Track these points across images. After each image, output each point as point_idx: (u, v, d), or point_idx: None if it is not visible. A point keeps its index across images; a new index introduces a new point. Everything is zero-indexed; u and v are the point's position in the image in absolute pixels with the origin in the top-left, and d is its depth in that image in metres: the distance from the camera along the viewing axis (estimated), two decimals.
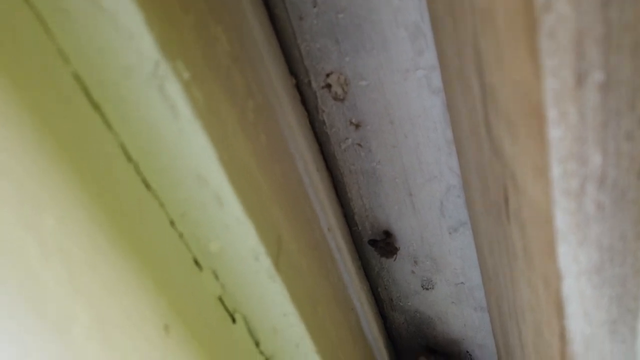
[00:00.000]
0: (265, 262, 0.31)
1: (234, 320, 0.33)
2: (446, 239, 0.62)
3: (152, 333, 0.23)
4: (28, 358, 0.16)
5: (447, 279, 0.66)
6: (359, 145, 0.58)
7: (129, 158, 0.26)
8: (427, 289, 0.69)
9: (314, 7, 0.47)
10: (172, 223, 0.29)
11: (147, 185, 0.27)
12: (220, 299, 0.32)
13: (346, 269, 0.58)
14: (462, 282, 0.65)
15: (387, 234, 0.66)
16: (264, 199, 0.33)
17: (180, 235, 0.29)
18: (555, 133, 0.18)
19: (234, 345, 0.33)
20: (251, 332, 0.34)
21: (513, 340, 0.45)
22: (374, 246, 0.66)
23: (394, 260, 0.67)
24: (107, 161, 0.24)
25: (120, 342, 0.20)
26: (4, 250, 0.16)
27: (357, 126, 0.57)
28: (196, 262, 0.31)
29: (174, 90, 0.24)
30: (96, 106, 0.24)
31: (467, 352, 0.73)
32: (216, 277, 0.32)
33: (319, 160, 0.59)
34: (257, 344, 0.35)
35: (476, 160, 0.38)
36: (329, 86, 0.54)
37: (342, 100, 0.55)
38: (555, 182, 0.19)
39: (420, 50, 0.47)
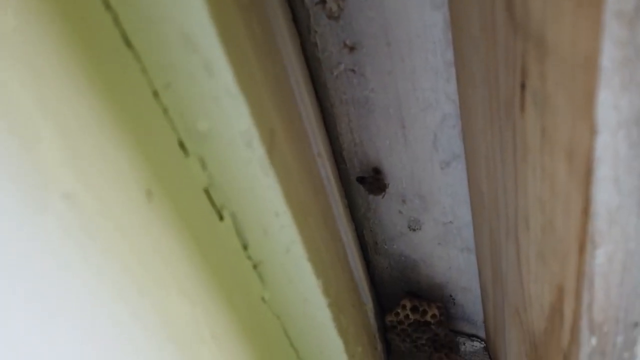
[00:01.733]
0: (258, 151, 0.28)
1: (221, 218, 0.31)
2: (437, 175, 0.60)
3: (131, 190, 0.20)
4: None
5: (435, 218, 0.65)
6: (352, 71, 0.55)
7: (107, 5, 0.22)
8: (413, 229, 0.68)
9: None
10: (155, 94, 0.26)
11: (128, 43, 0.24)
12: (207, 192, 0.30)
13: (334, 201, 0.56)
14: (450, 221, 0.64)
15: (377, 171, 0.64)
16: (258, 84, 0.30)
17: (165, 111, 0.26)
18: None
19: (220, 247, 0.31)
20: (239, 233, 0.32)
21: (506, 264, 0.44)
22: (362, 183, 0.64)
23: (382, 197, 0.65)
24: (81, 2, 0.21)
25: (94, 179, 0.17)
26: None
27: (352, 49, 0.54)
28: (182, 146, 0.28)
29: None
30: None
31: (451, 295, 0.73)
32: (203, 165, 0.29)
33: (309, 87, 0.56)
34: (245, 247, 0.33)
35: (485, 62, 0.36)
36: (323, 2, 0.51)
37: (337, 18, 0.52)
38: (609, 3, 0.16)
39: None
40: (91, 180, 0.17)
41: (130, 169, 0.20)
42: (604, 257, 0.23)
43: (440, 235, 0.67)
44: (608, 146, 0.20)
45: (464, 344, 0.74)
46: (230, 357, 0.32)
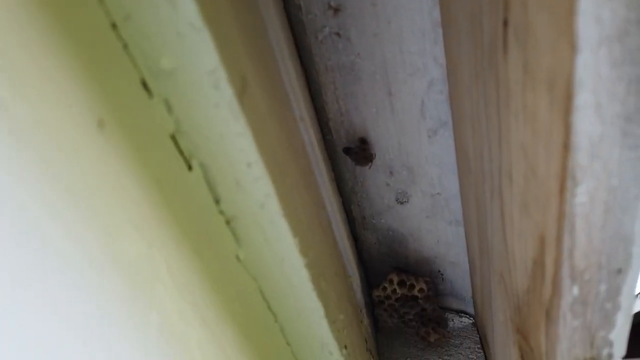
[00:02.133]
0: (226, 93, 0.27)
1: (189, 168, 0.29)
2: (424, 144, 0.59)
3: (79, 115, 0.19)
4: None
5: (422, 190, 0.64)
6: (337, 34, 0.54)
7: None
8: (401, 202, 0.66)
9: None
10: (114, 26, 0.24)
11: None
12: (174, 138, 0.28)
13: (318, 168, 0.54)
14: (438, 193, 0.63)
15: (363, 141, 0.63)
16: (228, 25, 0.28)
17: (125, 46, 0.25)
18: None
19: (189, 198, 0.30)
20: (210, 185, 0.30)
21: (492, 228, 0.43)
22: (348, 154, 0.63)
23: (369, 168, 0.63)
24: None
25: (31, 92, 0.16)
26: None
27: (336, 10, 0.52)
28: (145, 85, 0.26)
29: None
30: None
31: (439, 271, 0.72)
32: (169, 108, 0.27)
33: (292, 52, 0.54)
34: (217, 201, 0.31)
35: (470, 11, 0.34)
36: None
37: None
38: None
39: None
40: (27, 93, 0.16)
41: (78, 95, 0.19)
42: (585, 196, 0.22)
43: (428, 208, 0.65)
44: (589, 66, 0.18)
45: (453, 320, 0.74)
46: (208, 324, 0.31)
